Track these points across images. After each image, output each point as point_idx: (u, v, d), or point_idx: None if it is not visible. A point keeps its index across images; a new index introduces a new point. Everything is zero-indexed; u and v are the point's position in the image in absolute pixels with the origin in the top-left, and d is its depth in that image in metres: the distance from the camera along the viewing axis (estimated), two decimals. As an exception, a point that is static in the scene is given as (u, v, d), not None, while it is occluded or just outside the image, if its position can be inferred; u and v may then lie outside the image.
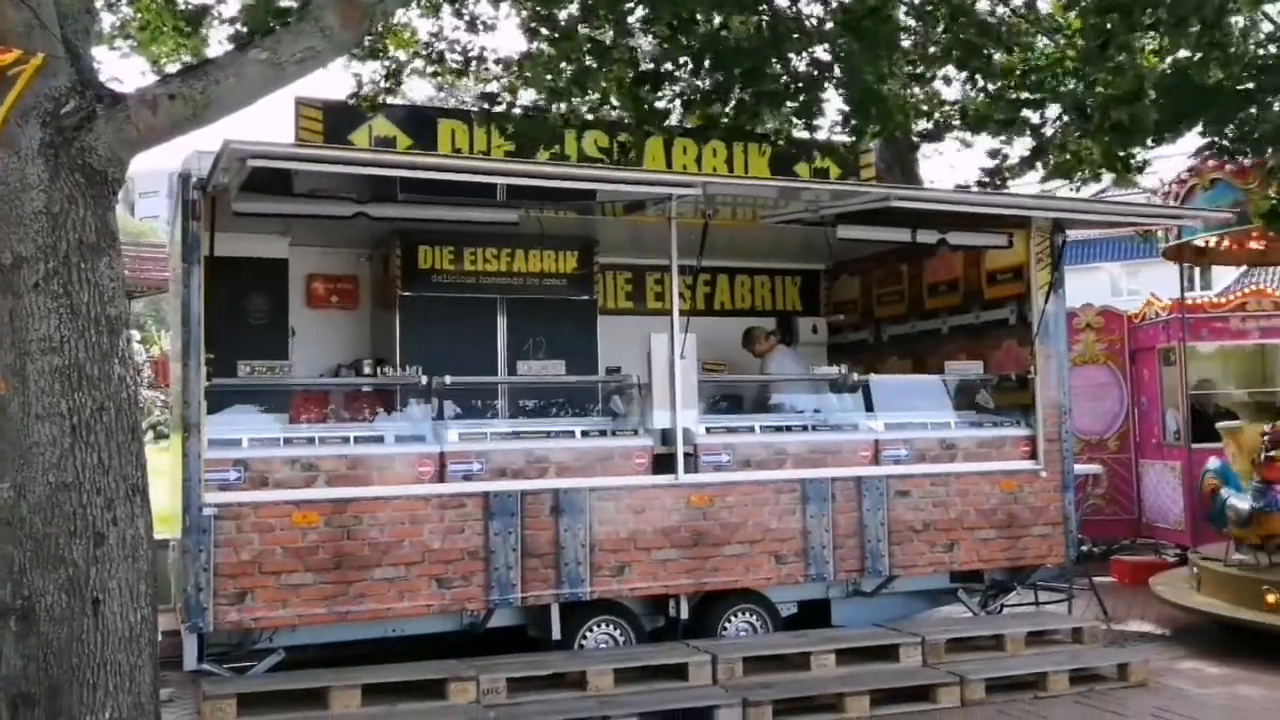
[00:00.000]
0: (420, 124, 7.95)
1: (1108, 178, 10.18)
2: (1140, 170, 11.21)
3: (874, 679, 6.41)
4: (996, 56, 7.98)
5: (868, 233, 7.42)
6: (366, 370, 7.74)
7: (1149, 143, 10.56)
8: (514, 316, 8.52)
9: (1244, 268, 14.08)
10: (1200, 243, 8.71)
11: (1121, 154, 9.73)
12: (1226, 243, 8.92)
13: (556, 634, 6.60)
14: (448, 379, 6.90)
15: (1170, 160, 10.77)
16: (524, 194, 6.44)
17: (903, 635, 6.86)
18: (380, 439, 6.43)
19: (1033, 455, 7.74)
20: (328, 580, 5.95)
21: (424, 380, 6.90)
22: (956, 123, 9.05)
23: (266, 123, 8.12)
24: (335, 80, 19.09)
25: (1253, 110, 11.48)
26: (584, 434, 6.75)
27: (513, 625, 6.73)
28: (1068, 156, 8.82)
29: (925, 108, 9.01)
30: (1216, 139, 11.77)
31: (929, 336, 8.96)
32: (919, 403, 7.96)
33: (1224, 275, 27.83)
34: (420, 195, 6.31)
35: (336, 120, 7.64)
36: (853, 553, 7.18)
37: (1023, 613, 8.18)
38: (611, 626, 6.77)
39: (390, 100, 8.46)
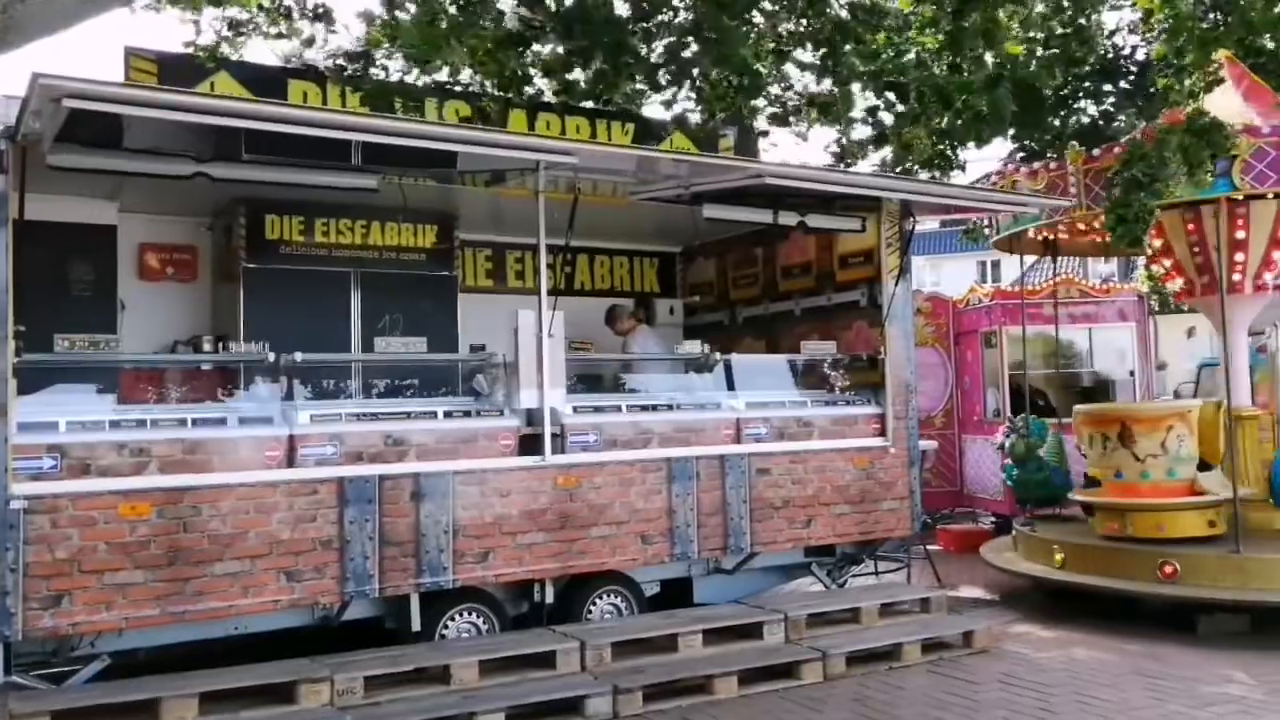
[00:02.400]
0: (268, 84, 6.90)
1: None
2: (961, 169, 11.19)
3: (741, 658, 5.94)
4: (855, 45, 7.59)
5: (732, 213, 6.88)
6: (206, 347, 6.70)
7: (971, 143, 10.53)
8: (369, 291, 7.60)
9: (1035, 258, 14.30)
10: (1032, 233, 8.57)
11: (948, 151, 9.62)
12: (1054, 234, 8.80)
13: (416, 625, 5.82)
14: (298, 356, 5.98)
15: (981, 164, 10.80)
16: (382, 158, 5.58)
17: (766, 613, 6.40)
18: (222, 421, 5.44)
19: (883, 432, 7.43)
20: (160, 578, 4.98)
21: (271, 358, 5.95)
22: (807, 110, 8.66)
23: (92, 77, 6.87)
24: (173, 33, 17.25)
25: (1066, 112, 11.70)
26: (447, 415, 5.96)
27: (368, 618, 5.89)
28: (900, 147, 8.55)
29: (775, 92, 8.59)
30: (1028, 141, 11.96)
31: (782, 318, 8.55)
32: (776, 382, 7.53)
33: (1010, 268, 29.17)
34: (268, 156, 5.36)
35: (173, 75, 6.51)
36: (716, 531, 6.68)
37: (873, 585, 7.91)
38: (474, 615, 6.03)
39: (233, 55, 7.33)
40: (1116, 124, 10.18)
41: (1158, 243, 8.92)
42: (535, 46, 7.12)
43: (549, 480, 6.07)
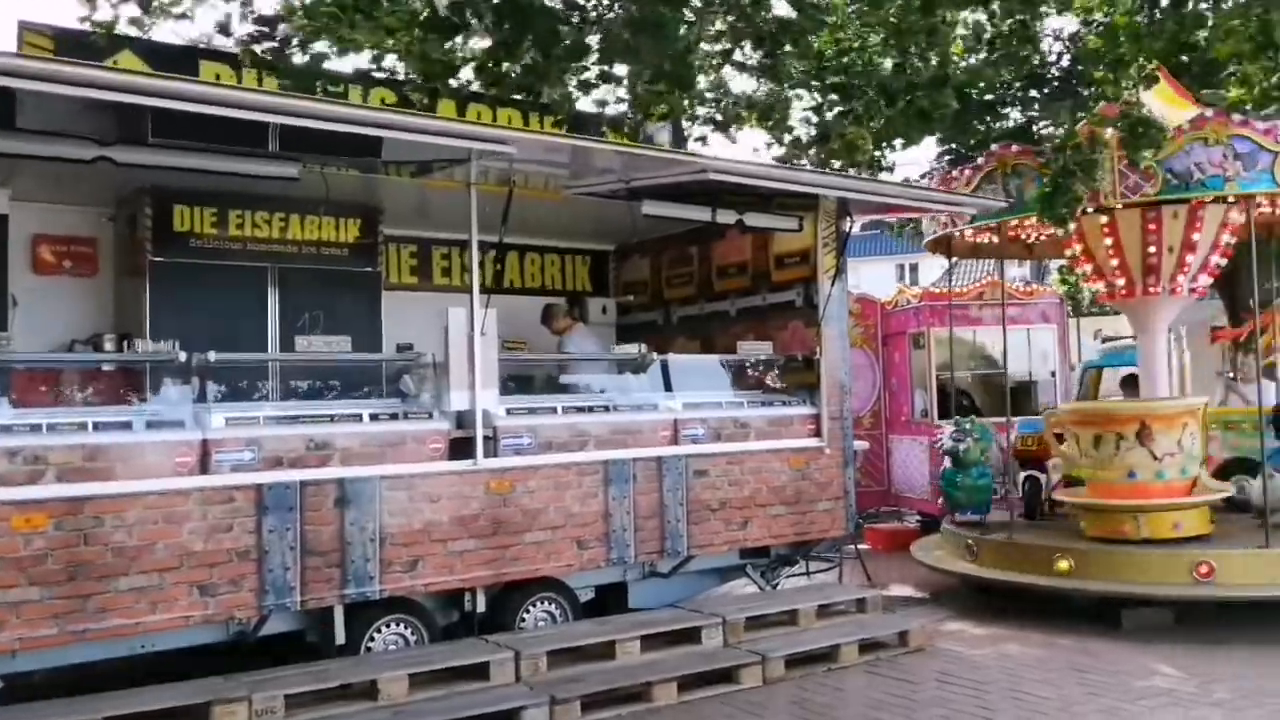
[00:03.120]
0: (176, 63, 6.38)
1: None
2: (889, 171, 11.20)
3: (680, 664, 5.75)
4: (795, 44, 7.43)
5: (671, 210, 6.68)
6: (109, 347, 6.23)
7: (902, 141, 10.52)
8: (289, 288, 7.17)
9: (955, 260, 14.45)
10: (971, 234, 8.56)
11: (876, 153, 9.58)
12: (990, 236, 8.80)
13: (341, 638, 5.47)
14: (211, 356, 5.58)
15: (905, 168, 10.82)
16: (303, 144, 5.21)
17: (704, 617, 6.21)
18: (127, 425, 5.02)
19: (818, 433, 7.31)
20: (59, 595, 4.54)
21: (182, 358, 5.53)
22: (743, 113, 8.50)
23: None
24: (69, 11, 16.01)
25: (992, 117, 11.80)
26: (373, 417, 5.62)
27: (288, 632, 5.52)
28: (843, 147, 8.45)
29: (711, 95, 8.42)
30: (955, 144, 12.04)
31: (718, 318, 8.38)
32: (713, 383, 7.36)
33: (929, 271, 29.65)
34: (177, 140, 4.95)
35: (71, 52, 5.96)
36: (653, 534, 6.47)
37: (808, 585, 7.79)
38: (402, 626, 5.70)
39: (136, 31, 6.81)
40: (1041, 129, 10.28)
41: (1078, 247, 9.04)
42: (464, 35, 6.79)
43: (481, 485, 5.78)
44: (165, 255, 6.75)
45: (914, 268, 34.08)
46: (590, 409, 6.46)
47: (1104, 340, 10.33)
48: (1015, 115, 11.18)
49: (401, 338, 6.69)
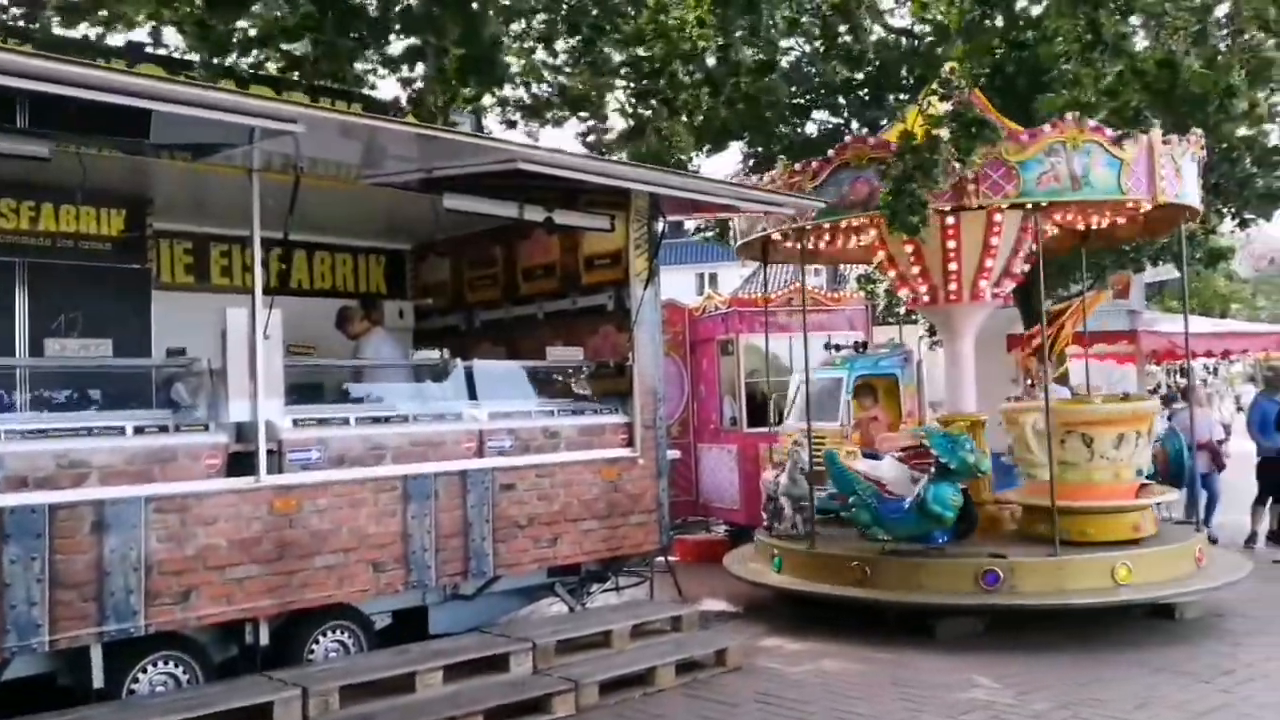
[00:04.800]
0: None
1: None
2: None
3: (487, 694, 5.65)
4: (613, 30, 7.44)
5: (475, 204, 6.54)
6: None
7: (706, 150, 10.78)
8: (40, 286, 6.59)
9: (758, 266, 14.93)
10: (777, 237, 8.83)
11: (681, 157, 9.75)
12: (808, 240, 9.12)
13: (99, 681, 5.05)
14: (-61, 361, 5.03)
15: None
16: (56, 119, 4.75)
17: (512, 642, 6.13)
18: None
19: (630, 442, 7.36)
20: None
21: (-96, 362, 4.96)
22: (557, 100, 8.44)
23: None
24: None
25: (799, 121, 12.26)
26: (138, 430, 5.21)
27: (36, 675, 5.03)
28: (659, 141, 8.53)
29: (523, 81, 8.31)
30: (759, 148, 12.45)
31: (525, 322, 8.31)
32: (520, 391, 7.28)
33: (729, 280, 30.57)
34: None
35: None
36: (456, 554, 6.33)
37: (620, 603, 7.83)
38: (172, 665, 5.32)
39: None
40: (848, 134, 10.77)
41: (882, 254, 9.53)
42: (256, 9, 6.40)
43: (264, 504, 5.48)
44: (-115, 246, 6.05)
45: (714, 277, 35.07)
46: (387, 419, 6.24)
47: (835, 349, 10.85)
48: (825, 119, 11.67)
49: (176, 341, 6.25)
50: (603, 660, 6.29)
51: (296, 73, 6.96)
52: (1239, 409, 22.01)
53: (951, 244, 9.02)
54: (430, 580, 6.22)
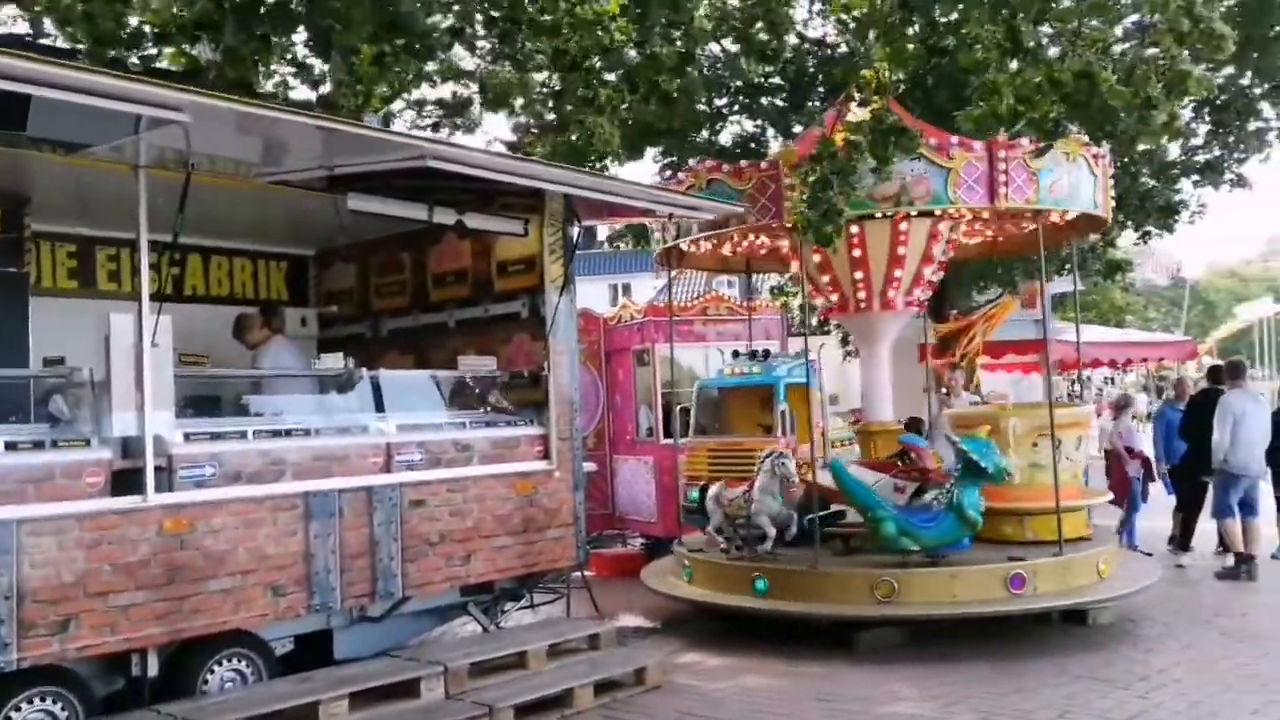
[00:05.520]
0: None
1: None
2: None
3: (396, 723, 5.33)
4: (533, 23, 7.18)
5: (382, 206, 6.25)
6: None
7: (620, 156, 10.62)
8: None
9: (675, 274, 14.88)
10: (686, 247, 8.71)
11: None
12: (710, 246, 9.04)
13: (-39, 724, 4.61)
14: None
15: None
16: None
17: (423, 666, 5.84)
18: None
19: (546, 455, 7.12)
20: None
21: None
22: (477, 98, 8.14)
23: None
24: None
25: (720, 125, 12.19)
26: (9, 446, 4.79)
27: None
28: (581, 137, 8.30)
29: (439, 78, 7.99)
30: (675, 156, 12.38)
31: (434, 330, 8.00)
32: (430, 402, 7.00)
33: (642, 291, 30.54)
34: None
35: None
36: (362, 575, 6.01)
37: (535, 622, 7.59)
38: (50, 701, 4.90)
39: None
40: (768, 140, 10.76)
41: (795, 263, 9.50)
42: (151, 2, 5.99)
43: (152, 525, 5.10)
44: None
45: (627, 287, 35.07)
46: (288, 433, 5.90)
47: (753, 355, 10.84)
48: (739, 130, 11.65)
49: (57, 350, 5.81)
50: (519, 682, 6.06)
51: (195, 78, 6.54)
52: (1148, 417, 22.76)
53: (858, 253, 9.05)
54: (335, 603, 5.89)
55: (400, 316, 8.29)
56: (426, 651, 6.28)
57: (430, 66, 7.85)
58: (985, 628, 7.42)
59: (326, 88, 7.35)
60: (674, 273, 10.60)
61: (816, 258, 9.26)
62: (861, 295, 9.32)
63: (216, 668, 5.51)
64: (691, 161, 8.33)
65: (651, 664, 6.55)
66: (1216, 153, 14.22)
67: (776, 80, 10.99)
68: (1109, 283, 18.56)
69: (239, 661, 5.61)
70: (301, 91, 7.36)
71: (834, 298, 9.54)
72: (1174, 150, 14.03)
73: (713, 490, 8.29)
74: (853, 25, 6.70)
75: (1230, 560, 9.94)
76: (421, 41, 6.44)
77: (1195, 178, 14.45)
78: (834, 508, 8.03)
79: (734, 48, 9.87)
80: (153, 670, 5.28)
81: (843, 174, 6.47)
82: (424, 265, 8.12)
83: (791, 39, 9.16)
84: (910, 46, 7.76)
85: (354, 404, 6.59)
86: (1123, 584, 7.93)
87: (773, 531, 7.79)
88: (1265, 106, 13.59)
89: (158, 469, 5.16)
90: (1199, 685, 6.29)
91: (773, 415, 8.91)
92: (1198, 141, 14.01)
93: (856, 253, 9.05)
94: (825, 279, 9.44)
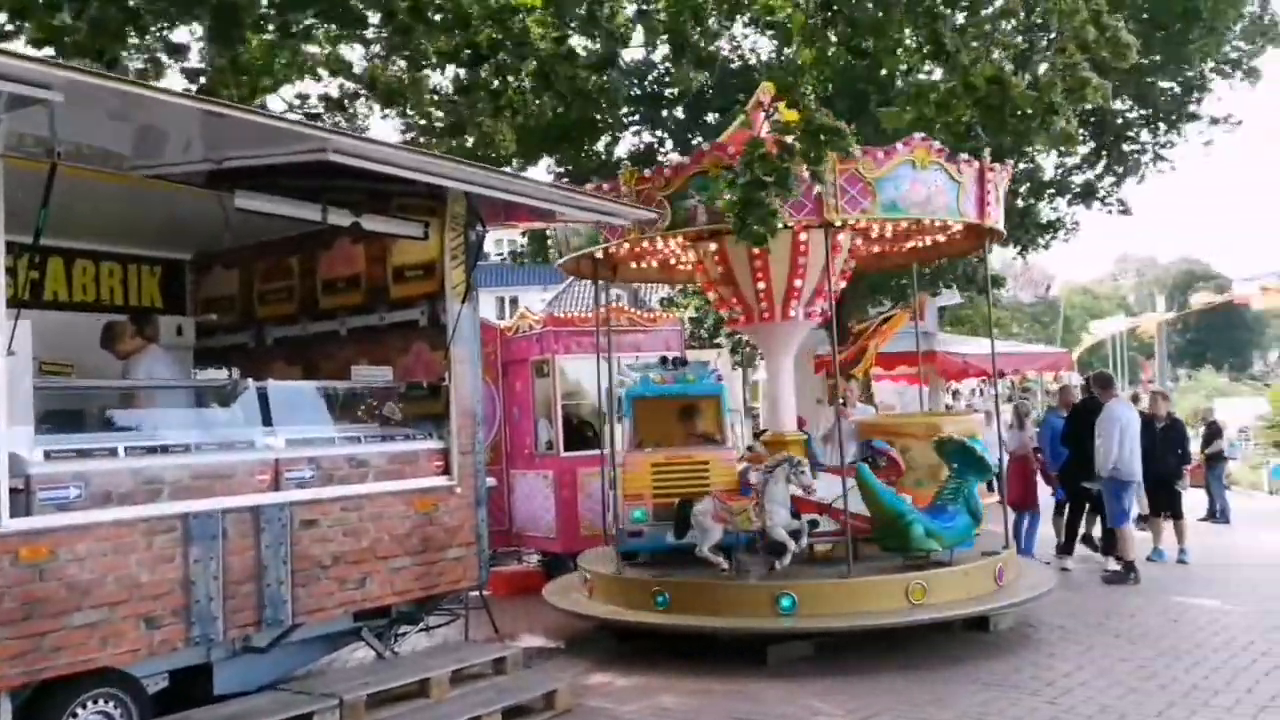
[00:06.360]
0: None
1: None
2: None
3: (284, 764, 4.83)
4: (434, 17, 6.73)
5: (272, 205, 5.73)
6: None
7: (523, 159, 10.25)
8: None
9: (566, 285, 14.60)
10: (599, 255, 8.38)
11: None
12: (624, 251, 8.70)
13: None
14: None
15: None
16: None
17: (315, 699, 5.37)
18: None
19: (446, 470, 6.68)
20: None
21: None
22: (363, 94, 7.64)
23: None
24: None
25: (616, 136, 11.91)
26: None
27: None
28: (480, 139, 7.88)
29: (324, 71, 7.45)
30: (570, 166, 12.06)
31: (326, 339, 7.47)
32: (322, 415, 6.48)
33: (533, 305, 30.18)
34: None
35: None
36: (248, 602, 5.48)
37: (435, 646, 7.14)
38: (-121, 761, 4.23)
39: None
40: (666, 151, 10.55)
41: (700, 276, 9.29)
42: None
43: (6, 554, 4.50)
44: None
45: (514, 301, 34.72)
46: (165, 449, 5.31)
47: (669, 363, 10.64)
48: (636, 141, 11.42)
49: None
50: (421, 712, 5.64)
51: (51, 48, 5.88)
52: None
53: (759, 263, 8.89)
54: (217, 633, 5.34)
55: (287, 325, 7.72)
56: (318, 683, 5.80)
57: (314, 50, 7.29)
58: (890, 637, 7.31)
59: (204, 80, 6.75)
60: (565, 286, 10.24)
61: (719, 268, 9.06)
62: (764, 306, 9.17)
63: (80, 710, 4.91)
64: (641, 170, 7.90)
65: (561, 687, 6.20)
66: (1095, 173, 14.67)
67: (675, 91, 10.82)
68: (985, 297, 19.05)
69: (106, 703, 5.01)
70: (176, 80, 6.74)
71: (738, 308, 9.37)
72: (1049, 169, 14.44)
73: (704, 505, 7.47)
74: (775, 26, 6.47)
75: (1113, 564, 10.14)
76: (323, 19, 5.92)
77: (1069, 197, 14.88)
78: (806, 518, 7.73)
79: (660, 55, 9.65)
80: (7, 716, 4.65)
81: (777, 175, 6.24)
82: (314, 270, 7.58)
83: (724, 44, 9.00)
84: (832, 50, 7.66)
85: (239, 418, 6.03)
86: (1023, 591, 7.94)
87: (793, 544, 7.35)
88: (1144, 133, 14.09)
89: (14, 491, 4.56)
90: (1103, 689, 6.33)
91: (715, 425, 8.46)
92: (1074, 161, 14.43)
93: (758, 263, 8.89)
94: (729, 289, 9.26)
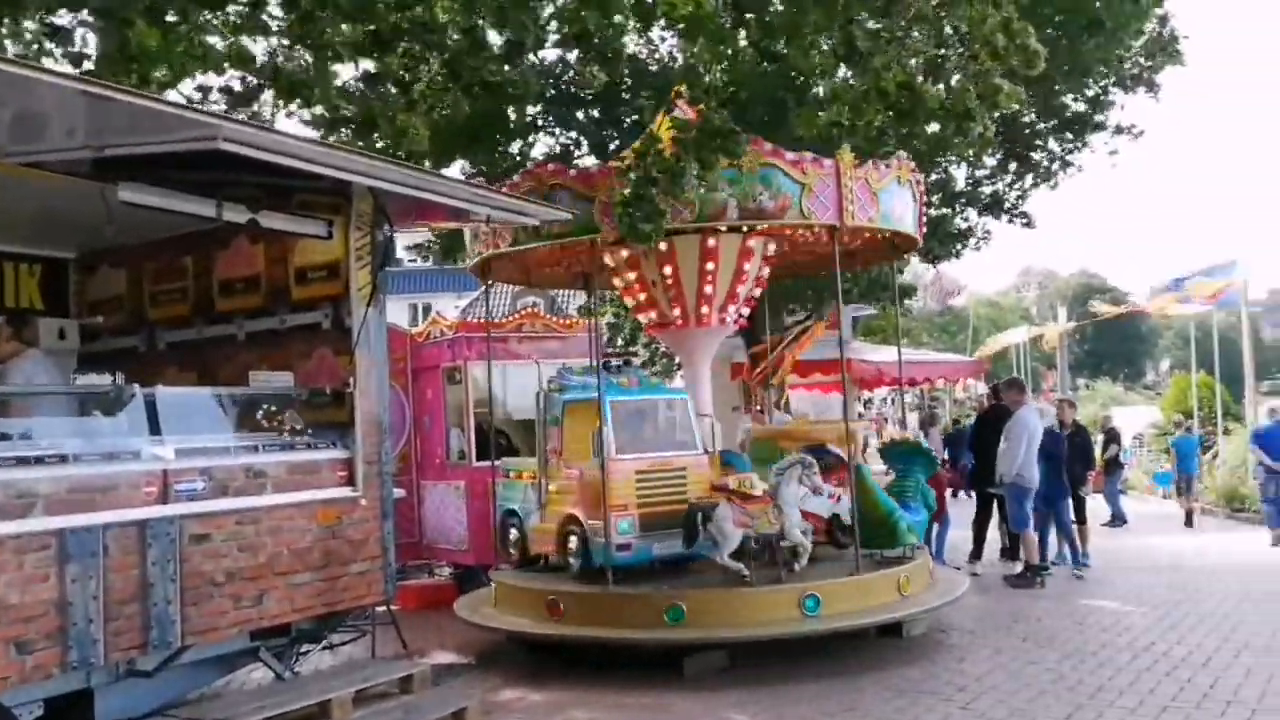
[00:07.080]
0: None
1: None
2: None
3: (170, 797, 4.48)
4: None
5: (161, 199, 5.35)
6: None
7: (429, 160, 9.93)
8: None
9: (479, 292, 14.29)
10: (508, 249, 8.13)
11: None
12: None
13: None
14: None
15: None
16: None
17: (206, 727, 4.98)
18: None
19: (351, 480, 6.34)
20: None
21: None
22: (267, 85, 7.24)
23: None
24: None
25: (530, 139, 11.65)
26: None
27: None
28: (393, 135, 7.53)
29: (229, 64, 7.05)
30: (484, 167, 11.79)
31: (222, 343, 7.04)
32: (216, 424, 6.09)
33: (446, 311, 29.68)
34: None
35: None
36: (132, 623, 5.08)
37: (337, 665, 6.82)
38: None
39: None
40: (581, 154, 10.37)
41: (631, 275, 9.13)
42: None
43: None
44: None
45: (427, 308, 34.26)
46: (38, 460, 4.90)
47: (617, 366, 10.48)
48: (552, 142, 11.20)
49: None
50: (320, 737, 5.29)
51: None
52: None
53: (668, 269, 8.78)
54: (97, 657, 4.94)
55: (181, 328, 7.28)
56: (210, 707, 5.47)
57: (216, 42, 6.90)
58: (805, 645, 7.25)
59: (90, 67, 6.31)
60: (496, 285, 10.00)
61: (631, 274, 8.93)
62: (676, 312, 9.05)
63: (-59, 747, 4.49)
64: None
65: (471, 704, 5.94)
66: (1003, 184, 14.94)
67: (590, 92, 10.64)
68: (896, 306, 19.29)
69: (-28, 736, 4.60)
70: (61, 68, 6.29)
71: (653, 314, 9.24)
72: (960, 180, 14.64)
73: (722, 511, 7.20)
74: (679, 20, 6.33)
75: (1019, 568, 10.28)
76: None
77: (979, 208, 15.12)
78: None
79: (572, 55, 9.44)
80: None
81: (670, 174, 6.08)
82: (209, 270, 7.16)
83: (628, 42, 8.82)
84: (739, 49, 7.56)
85: (124, 426, 5.61)
86: (935, 596, 7.97)
87: (809, 545, 7.24)
88: (1051, 141, 14.39)
89: None
90: (1014, 692, 6.39)
91: (687, 429, 8.23)
92: (984, 172, 14.68)
93: (667, 269, 8.77)
94: (642, 296, 9.13)
